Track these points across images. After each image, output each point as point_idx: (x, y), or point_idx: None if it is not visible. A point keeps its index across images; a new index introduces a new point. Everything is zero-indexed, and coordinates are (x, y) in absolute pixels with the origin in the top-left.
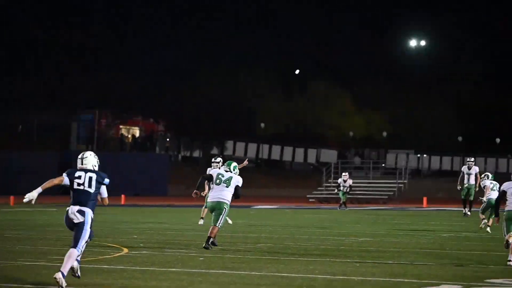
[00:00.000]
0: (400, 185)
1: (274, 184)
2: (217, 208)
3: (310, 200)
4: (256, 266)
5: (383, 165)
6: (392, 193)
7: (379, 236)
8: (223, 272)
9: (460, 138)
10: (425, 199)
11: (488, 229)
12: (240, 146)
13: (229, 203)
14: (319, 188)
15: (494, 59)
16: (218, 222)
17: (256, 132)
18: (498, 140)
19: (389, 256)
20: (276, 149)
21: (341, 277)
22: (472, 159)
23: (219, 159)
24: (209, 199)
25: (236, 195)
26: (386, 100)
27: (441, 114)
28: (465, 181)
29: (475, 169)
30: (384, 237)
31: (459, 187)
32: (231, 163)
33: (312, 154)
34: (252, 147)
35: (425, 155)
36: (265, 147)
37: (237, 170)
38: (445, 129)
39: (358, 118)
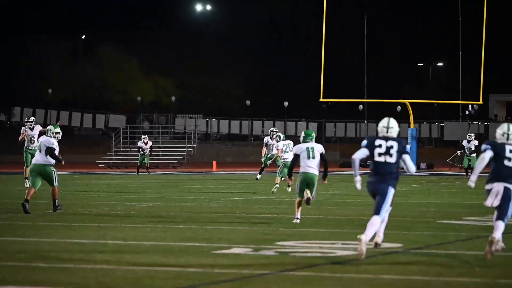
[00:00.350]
0: (189, 149)
1: (63, 150)
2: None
3: (100, 165)
4: (46, 232)
5: (172, 130)
6: (181, 157)
7: (169, 200)
8: (12, 239)
9: (248, 102)
10: (214, 163)
11: (289, 189)
12: (28, 112)
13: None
14: (109, 154)
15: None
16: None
17: (43, 98)
18: (286, 103)
19: (180, 221)
20: (64, 114)
21: (132, 242)
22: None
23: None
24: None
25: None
26: (174, 65)
27: (229, 79)
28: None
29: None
30: (174, 201)
31: None
32: None
33: (100, 119)
34: (40, 113)
35: (213, 119)
36: (53, 113)
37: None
38: (233, 93)
39: (147, 83)
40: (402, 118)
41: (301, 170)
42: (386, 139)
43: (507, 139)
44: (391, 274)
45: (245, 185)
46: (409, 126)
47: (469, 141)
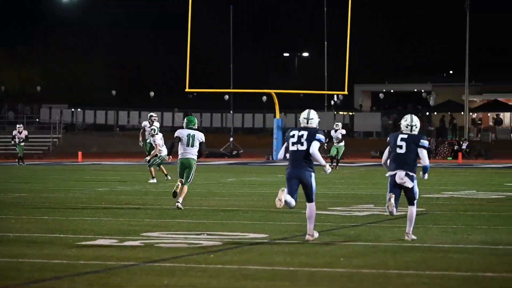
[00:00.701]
0: (54, 140)
1: None
2: None
3: None
4: None
5: (37, 120)
6: (46, 147)
7: (34, 191)
8: None
9: (113, 92)
10: (80, 153)
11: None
12: None
13: None
14: None
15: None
16: None
17: None
18: (152, 93)
19: (44, 212)
20: None
21: None
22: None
23: None
24: None
25: None
26: (39, 54)
27: (94, 68)
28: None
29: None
30: (39, 192)
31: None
32: None
33: None
34: None
35: (79, 109)
36: None
37: None
38: (99, 82)
39: (11, 72)
40: (268, 108)
41: (180, 156)
42: (300, 129)
43: (411, 130)
44: (256, 265)
45: (111, 175)
46: (274, 116)
47: (336, 130)
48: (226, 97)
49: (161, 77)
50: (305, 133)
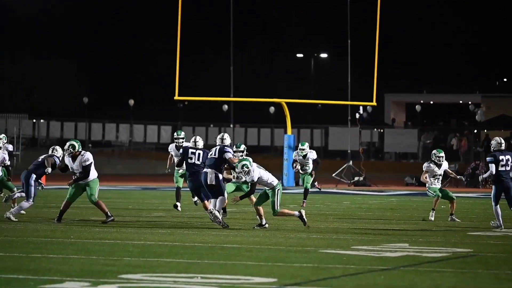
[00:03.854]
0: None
1: None
2: None
3: None
4: None
5: None
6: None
7: None
8: None
9: (85, 100)
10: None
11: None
12: None
13: None
14: None
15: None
16: None
17: None
18: (132, 102)
19: (0, 247)
20: None
21: None
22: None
23: None
24: None
25: None
26: None
27: (60, 70)
28: None
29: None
30: None
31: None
32: None
33: None
34: None
35: (42, 120)
36: None
37: None
38: (67, 88)
39: None
40: (277, 122)
41: None
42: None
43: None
44: None
45: (82, 203)
46: (285, 132)
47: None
48: (225, 107)
49: (144, 82)
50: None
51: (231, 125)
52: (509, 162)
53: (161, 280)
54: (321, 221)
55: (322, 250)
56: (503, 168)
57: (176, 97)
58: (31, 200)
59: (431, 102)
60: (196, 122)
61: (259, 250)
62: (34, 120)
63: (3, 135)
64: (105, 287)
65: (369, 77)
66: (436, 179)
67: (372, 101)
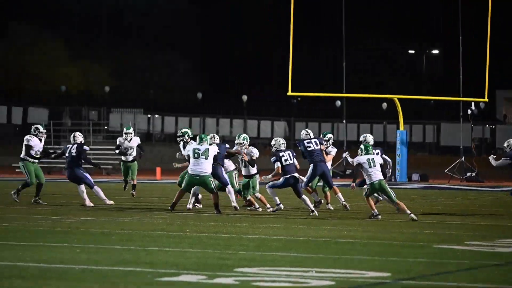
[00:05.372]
0: None
1: None
2: None
3: (17, 170)
4: None
5: (105, 127)
6: (117, 162)
7: (103, 215)
8: None
9: (199, 95)
10: (158, 169)
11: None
12: None
13: None
14: None
15: None
16: None
17: None
18: (245, 97)
19: (117, 240)
20: None
21: (58, 265)
22: None
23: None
24: None
25: None
26: (107, 48)
27: (175, 66)
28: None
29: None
30: (110, 216)
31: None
32: None
33: (17, 113)
34: None
35: (156, 116)
36: None
37: None
38: (181, 83)
39: (73, 69)
40: (389, 118)
41: None
42: None
43: None
44: None
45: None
46: (397, 128)
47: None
48: (338, 103)
49: (257, 77)
50: None
51: (344, 121)
52: None
53: (276, 274)
54: (433, 216)
55: (435, 245)
56: None
57: (289, 93)
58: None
59: None
60: (308, 118)
61: (372, 244)
62: (149, 115)
63: (38, 125)
64: (221, 280)
65: (480, 73)
66: None
67: (484, 97)
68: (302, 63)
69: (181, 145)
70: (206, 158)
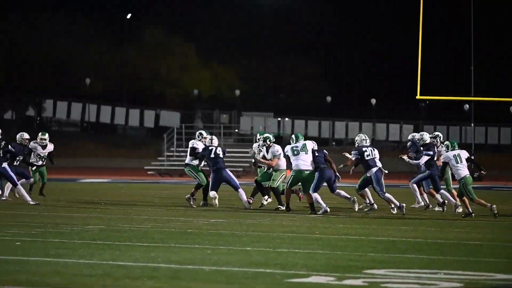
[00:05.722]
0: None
1: (104, 152)
2: None
3: (149, 172)
4: (85, 253)
5: (236, 130)
6: (248, 164)
7: (234, 216)
8: (45, 260)
9: (328, 99)
10: (288, 172)
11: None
12: (62, 106)
13: None
14: (160, 158)
15: None
16: None
17: (80, 89)
18: (374, 101)
19: (247, 241)
20: (105, 110)
21: (189, 266)
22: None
23: None
24: None
25: None
26: (238, 52)
27: (305, 70)
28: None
29: None
30: (240, 218)
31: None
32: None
33: (149, 116)
34: (77, 107)
35: (286, 119)
36: (93, 107)
37: None
38: (311, 87)
39: (205, 73)
40: None
41: None
42: None
43: None
44: None
45: (325, 200)
46: None
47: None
48: (466, 106)
49: (386, 80)
50: None
51: (472, 124)
52: None
53: (404, 276)
54: None
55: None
56: None
57: (418, 97)
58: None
59: None
60: (437, 121)
61: (501, 247)
62: (279, 119)
63: (202, 131)
64: (350, 282)
65: None
66: None
67: None
68: (431, 66)
69: (264, 149)
70: (306, 153)
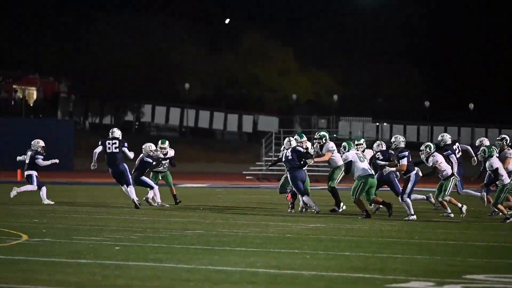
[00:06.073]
0: None
1: (202, 157)
2: None
3: (247, 177)
4: (184, 257)
5: (334, 135)
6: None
7: (333, 221)
8: (144, 264)
9: (427, 103)
10: None
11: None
12: (161, 111)
13: None
14: (258, 163)
15: None
16: None
17: (179, 94)
18: (471, 106)
19: (346, 246)
20: (204, 115)
21: (288, 271)
22: None
23: None
24: None
25: None
26: (336, 57)
27: (403, 74)
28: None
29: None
30: (339, 222)
31: None
32: None
33: (247, 121)
34: (175, 112)
35: (385, 124)
36: (191, 112)
37: None
38: (409, 92)
39: (303, 78)
40: None
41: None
42: None
43: None
44: None
45: (424, 204)
46: None
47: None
48: None
49: (482, 84)
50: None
51: None
52: None
53: (504, 281)
54: None
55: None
56: None
57: None
58: None
59: None
60: None
61: None
62: (377, 123)
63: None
64: (450, 287)
65: None
66: None
67: None
68: None
69: (318, 147)
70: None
